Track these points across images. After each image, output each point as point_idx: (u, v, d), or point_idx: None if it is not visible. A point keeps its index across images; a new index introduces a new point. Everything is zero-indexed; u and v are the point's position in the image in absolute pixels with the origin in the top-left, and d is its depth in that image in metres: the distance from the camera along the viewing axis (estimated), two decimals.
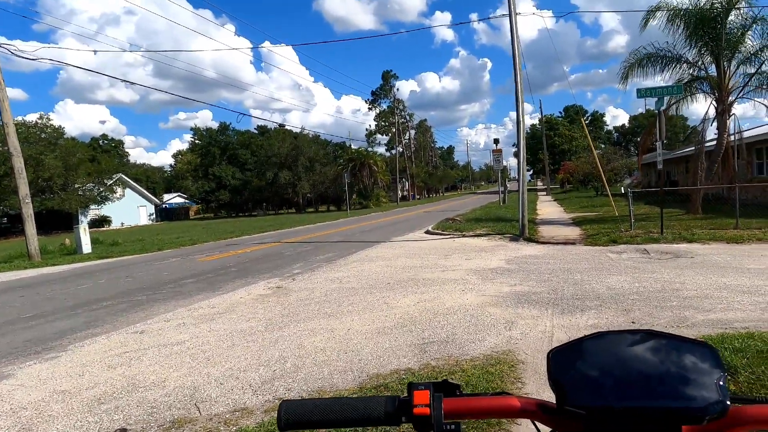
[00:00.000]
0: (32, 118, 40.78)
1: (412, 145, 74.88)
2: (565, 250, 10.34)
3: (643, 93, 11.98)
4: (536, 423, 0.63)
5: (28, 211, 15.49)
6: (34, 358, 4.97)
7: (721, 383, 0.55)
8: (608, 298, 5.82)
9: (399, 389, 3.51)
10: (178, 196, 68.90)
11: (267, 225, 27.49)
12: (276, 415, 0.65)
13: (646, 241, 10.26)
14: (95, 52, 71.01)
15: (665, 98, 12.29)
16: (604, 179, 16.69)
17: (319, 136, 63.07)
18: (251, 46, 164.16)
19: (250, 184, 58.02)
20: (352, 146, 58.67)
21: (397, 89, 69.56)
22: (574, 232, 13.21)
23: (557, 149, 62.83)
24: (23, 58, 15.70)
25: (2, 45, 14.68)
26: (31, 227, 15.46)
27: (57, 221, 37.58)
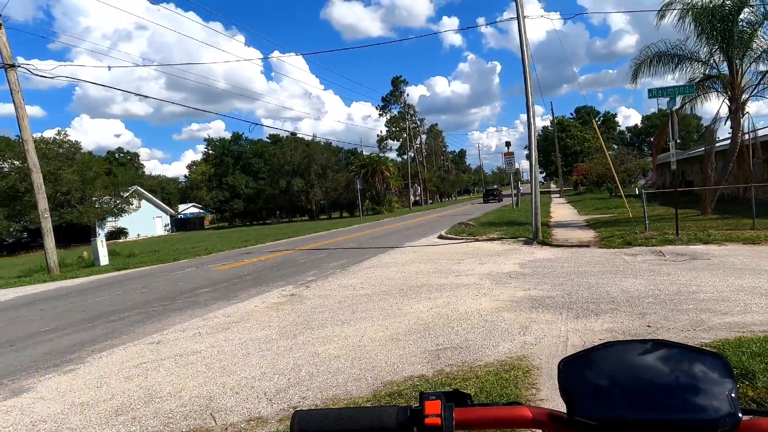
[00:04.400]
0: (50, 134, 41.71)
1: (424, 150, 74.90)
2: (579, 253, 10.25)
3: (654, 93, 11.87)
4: None
5: (47, 225, 15.81)
6: (53, 371, 5.04)
7: (732, 395, 0.55)
8: (623, 301, 5.76)
9: (413, 396, 3.52)
10: (193, 206, 69.79)
11: (281, 233, 27.69)
12: (289, 424, 0.66)
13: (661, 243, 10.12)
14: (109, 68, 72.61)
15: (677, 98, 12.17)
16: (618, 180, 16.53)
17: (330, 143, 63.60)
18: (261, 56, 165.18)
19: (264, 192, 58.58)
20: (364, 152, 58.99)
21: (407, 94, 69.77)
22: (587, 234, 13.09)
23: (570, 151, 62.45)
24: (41, 76, 16.12)
25: (22, 65, 15.13)
26: (50, 241, 15.76)
27: (75, 234, 38.25)
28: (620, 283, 6.78)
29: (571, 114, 75.87)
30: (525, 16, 12.88)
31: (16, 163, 34.67)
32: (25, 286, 13.39)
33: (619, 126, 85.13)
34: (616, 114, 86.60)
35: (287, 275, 10.46)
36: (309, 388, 3.90)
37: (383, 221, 32.60)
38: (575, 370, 0.61)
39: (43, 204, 15.82)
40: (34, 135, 16.73)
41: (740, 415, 0.53)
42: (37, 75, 16.22)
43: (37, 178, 15.78)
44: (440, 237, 16.08)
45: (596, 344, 0.64)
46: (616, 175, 16.62)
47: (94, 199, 39.68)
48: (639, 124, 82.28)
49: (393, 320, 5.79)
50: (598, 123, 64.41)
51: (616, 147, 57.97)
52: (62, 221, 34.36)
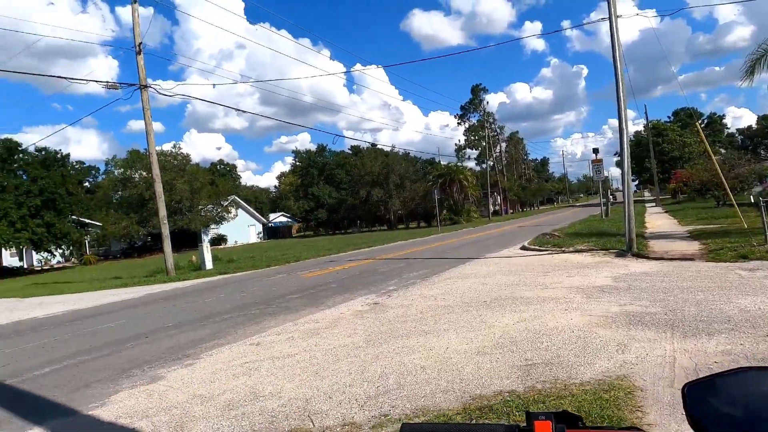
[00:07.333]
0: (166, 147, 46.34)
1: (504, 159, 73.14)
2: (682, 266, 9.42)
3: None
4: None
5: (165, 231, 17.91)
6: (176, 364, 5.71)
7: None
8: (742, 321, 5.20)
9: (504, 412, 3.45)
10: (282, 215, 73.48)
11: (361, 242, 28.31)
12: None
13: None
14: (214, 85, 79.15)
15: None
16: (727, 188, 15.00)
17: (408, 153, 64.02)
18: (344, 70, 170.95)
19: (345, 202, 60.39)
20: (441, 162, 58.70)
21: (487, 102, 68.76)
22: (691, 246, 12.00)
23: (666, 156, 57.58)
24: (164, 95, 18.34)
25: (151, 86, 17.26)
26: (168, 245, 17.86)
27: (185, 239, 42.06)
28: (736, 301, 6.14)
29: (669, 117, 70.18)
30: (618, 16, 12.22)
31: (143, 173, 39.63)
32: (150, 285, 15.66)
33: (728, 128, 77.26)
34: (723, 115, 78.48)
35: (369, 284, 10.68)
36: (398, 397, 3.96)
37: (461, 231, 32.17)
38: (703, 396, 0.57)
39: (162, 211, 17.93)
40: (156, 148, 19.10)
41: None
42: (161, 94, 18.48)
43: (159, 187, 17.97)
44: (523, 248, 15.55)
45: (722, 370, 0.60)
46: (725, 182, 15.12)
47: (200, 207, 43.57)
48: (753, 125, 73.72)
49: (477, 332, 5.70)
50: (702, 126, 59.00)
51: (723, 151, 52.56)
52: (175, 227, 38.07)
